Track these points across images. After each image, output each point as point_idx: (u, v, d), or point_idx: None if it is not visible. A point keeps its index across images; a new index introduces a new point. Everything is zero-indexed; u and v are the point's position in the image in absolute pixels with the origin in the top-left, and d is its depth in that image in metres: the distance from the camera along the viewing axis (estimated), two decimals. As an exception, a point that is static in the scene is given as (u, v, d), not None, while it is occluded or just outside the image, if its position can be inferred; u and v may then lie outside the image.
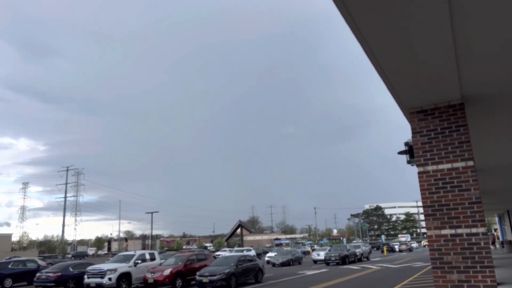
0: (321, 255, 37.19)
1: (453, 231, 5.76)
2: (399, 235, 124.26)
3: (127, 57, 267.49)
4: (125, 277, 19.59)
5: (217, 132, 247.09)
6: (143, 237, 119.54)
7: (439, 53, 4.57)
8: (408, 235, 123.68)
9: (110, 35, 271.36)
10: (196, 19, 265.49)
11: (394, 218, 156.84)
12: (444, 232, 5.82)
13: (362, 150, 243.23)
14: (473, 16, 3.93)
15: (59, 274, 20.78)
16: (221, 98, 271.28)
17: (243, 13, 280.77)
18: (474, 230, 5.64)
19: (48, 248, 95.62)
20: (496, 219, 51.32)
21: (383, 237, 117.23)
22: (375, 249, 70.28)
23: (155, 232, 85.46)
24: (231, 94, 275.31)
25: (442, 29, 4.06)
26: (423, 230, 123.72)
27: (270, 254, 42.58)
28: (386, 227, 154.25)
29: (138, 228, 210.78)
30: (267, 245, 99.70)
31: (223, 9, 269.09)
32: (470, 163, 5.84)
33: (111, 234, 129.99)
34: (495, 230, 60.16)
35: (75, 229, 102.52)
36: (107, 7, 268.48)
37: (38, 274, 21.67)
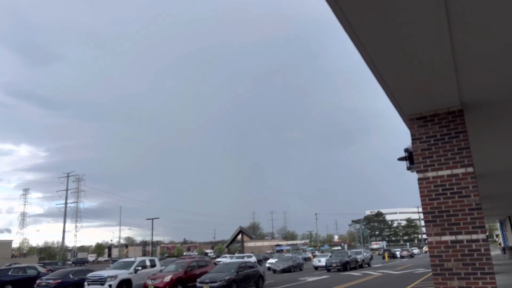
0: (322, 261, 37.01)
1: (453, 238, 5.75)
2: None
3: (129, 62, 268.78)
4: (125, 283, 19.56)
5: (218, 137, 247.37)
6: (144, 244, 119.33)
7: (438, 59, 4.59)
8: (383, 242, 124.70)
9: (112, 39, 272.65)
10: (198, 21, 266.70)
11: (395, 224, 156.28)
12: (444, 238, 5.81)
13: (363, 155, 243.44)
14: (471, 22, 3.95)
15: (59, 280, 20.75)
16: (223, 102, 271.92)
17: (248, 16, 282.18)
18: (474, 237, 5.63)
19: (49, 254, 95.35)
20: (498, 224, 51.13)
21: (383, 243, 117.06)
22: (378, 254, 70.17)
23: (155, 238, 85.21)
24: (233, 98, 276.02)
25: (440, 35, 4.08)
26: (424, 236, 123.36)
27: (271, 260, 42.40)
28: (388, 233, 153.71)
29: (138, 234, 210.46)
30: (268, 251, 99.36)
31: (226, 12, 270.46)
32: (470, 169, 5.84)
33: (111, 240, 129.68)
34: (497, 236, 59.90)
35: (75, 235, 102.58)
36: (108, 9, 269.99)
37: (38, 281, 21.62)
